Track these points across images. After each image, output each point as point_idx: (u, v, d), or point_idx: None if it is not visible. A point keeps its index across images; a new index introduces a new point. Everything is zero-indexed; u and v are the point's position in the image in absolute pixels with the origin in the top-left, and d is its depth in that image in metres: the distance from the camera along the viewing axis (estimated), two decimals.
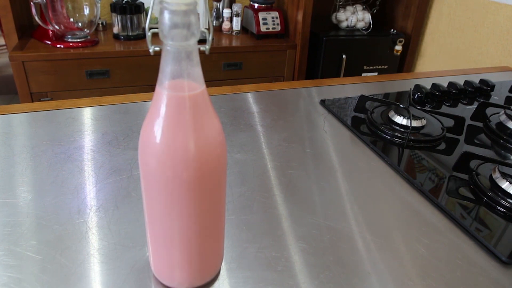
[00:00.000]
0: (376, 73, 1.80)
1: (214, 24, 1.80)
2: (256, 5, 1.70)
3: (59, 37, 1.45)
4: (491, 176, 0.55)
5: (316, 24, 1.73)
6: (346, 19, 1.77)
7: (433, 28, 1.71)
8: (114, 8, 1.53)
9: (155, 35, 0.29)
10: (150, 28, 0.29)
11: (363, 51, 1.72)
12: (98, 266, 0.39)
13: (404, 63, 1.83)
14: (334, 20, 1.80)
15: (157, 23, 0.28)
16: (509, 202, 0.51)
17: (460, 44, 1.57)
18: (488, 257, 0.44)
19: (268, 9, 1.70)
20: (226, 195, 0.49)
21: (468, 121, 0.75)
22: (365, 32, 1.74)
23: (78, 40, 1.45)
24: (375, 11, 1.83)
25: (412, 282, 0.40)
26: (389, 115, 0.71)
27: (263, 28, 1.67)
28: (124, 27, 1.55)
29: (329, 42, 1.66)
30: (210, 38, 0.30)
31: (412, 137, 0.65)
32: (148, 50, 0.29)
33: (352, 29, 1.78)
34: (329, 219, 0.47)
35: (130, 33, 1.56)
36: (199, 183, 0.31)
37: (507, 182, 0.52)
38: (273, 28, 1.69)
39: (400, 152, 0.63)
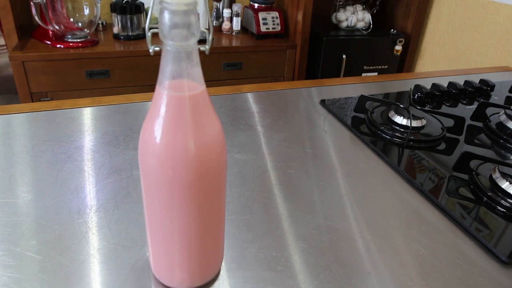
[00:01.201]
0: (376, 73, 1.80)
1: (214, 24, 1.80)
2: (256, 5, 1.70)
3: (59, 37, 1.45)
4: (491, 176, 0.55)
5: (316, 24, 1.73)
6: (346, 19, 1.76)
7: (433, 28, 1.71)
8: (114, 8, 1.53)
9: (155, 35, 0.29)
10: (150, 28, 0.29)
11: (363, 51, 1.72)
12: (98, 266, 0.39)
13: (404, 63, 1.83)
14: (334, 20, 1.80)
15: (157, 23, 0.28)
16: (509, 202, 0.51)
17: (460, 44, 1.56)
18: (488, 257, 0.44)
19: (268, 9, 1.70)
20: (226, 195, 0.49)
21: (468, 121, 0.75)
22: (365, 32, 1.74)
23: (78, 40, 1.45)
24: (375, 11, 1.83)
25: (412, 282, 0.40)
26: (389, 115, 0.71)
27: (263, 28, 1.67)
28: (124, 27, 1.55)
29: (329, 42, 1.66)
30: (210, 38, 0.30)
31: (412, 137, 0.65)
32: (148, 50, 0.29)
33: (352, 29, 1.78)
34: (329, 219, 0.47)
35: (130, 33, 1.56)
36: (199, 183, 0.31)
37: (507, 182, 0.52)
38: (273, 28, 1.69)
39: (400, 152, 0.63)
